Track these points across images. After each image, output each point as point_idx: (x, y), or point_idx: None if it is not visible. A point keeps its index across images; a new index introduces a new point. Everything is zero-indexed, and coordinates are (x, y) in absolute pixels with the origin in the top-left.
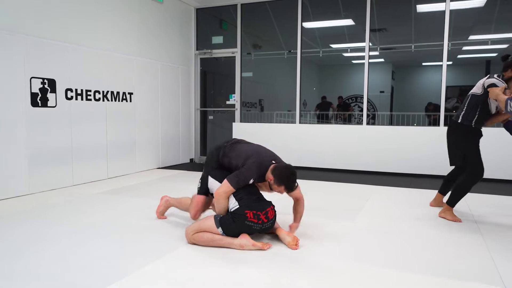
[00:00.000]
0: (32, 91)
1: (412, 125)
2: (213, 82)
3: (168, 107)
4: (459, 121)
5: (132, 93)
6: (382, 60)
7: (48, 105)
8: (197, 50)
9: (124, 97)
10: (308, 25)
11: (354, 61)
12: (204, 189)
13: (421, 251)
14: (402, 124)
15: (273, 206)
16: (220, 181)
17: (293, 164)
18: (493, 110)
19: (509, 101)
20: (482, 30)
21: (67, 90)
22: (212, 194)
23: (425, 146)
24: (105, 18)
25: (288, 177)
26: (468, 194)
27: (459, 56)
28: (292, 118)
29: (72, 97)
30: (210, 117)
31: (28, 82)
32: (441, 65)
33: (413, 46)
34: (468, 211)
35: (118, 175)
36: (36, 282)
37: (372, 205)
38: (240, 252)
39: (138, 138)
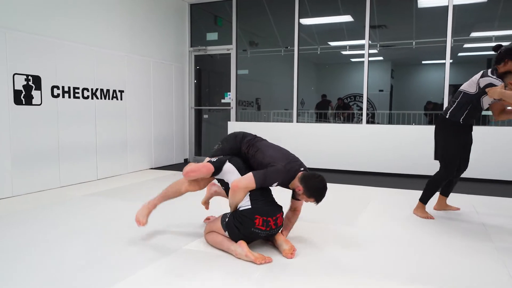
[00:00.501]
0: (15, 88)
1: (412, 124)
2: (208, 80)
3: (161, 106)
4: (446, 116)
5: (123, 91)
6: (381, 58)
7: (33, 103)
8: (191, 47)
9: (115, 95)
10: (305, 21)
11: (352, 59)
12: (217, 167)
13: (429, 259)
14: (402, 123)
15: (283, 212)
16: (240, 172)
17: None
18: (485, 107)
19: None
20: (484, 27)
21: (53, 87)
22: (219, 180)
23: (427, 146)
24: (94, 12)
25: (321, 190)
26: (474, 196)
27: (460, 54)
28: (290, 117)
29: (58, 94)
30: (205, 116)
31: (10, 79)
32: (441, 63)
33: (414, 42)
34: (475, 213)
35: (108, 176)
36: None
37: (373, 208)
38: (233, 260)
39: (130, 138)
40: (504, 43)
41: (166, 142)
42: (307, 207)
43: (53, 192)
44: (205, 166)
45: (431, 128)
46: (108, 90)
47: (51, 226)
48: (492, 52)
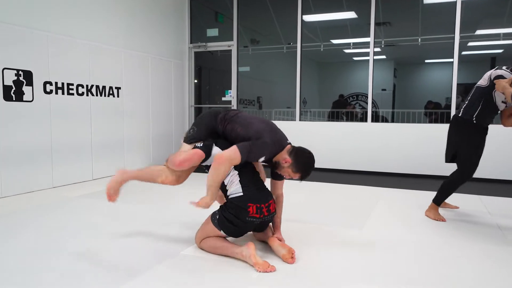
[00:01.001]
0: (5, 84)
1: (415, 122)
2: (208, 77)
3: (160, 104)
4: (459, 115)
5: (120, 88)
6: (384, 57)
7: (24, 99)
8: (191, 43)
9: (111, 92)
10: (308, 18)
11: (355, 58)
12: (207, 152)
13: (443, 265)
14: (406, 122)
15: (274, 199)
16: None
17: None
18: (500, 105)
19: None
20: (491, 23)
21: (45, 83)
22: (206, 166)
23: (434, 145)
24: (90, 5)
25: (309, 166)
26: (486, 197)
27: (463, 53)
28: (292, 116)
29: (51, 91)
30: None
31: (0, 74)
32: (445, 62)
33: (419, 39)
34: (487, 214)
35: (104, 176)
36: None
37: (380, 209)
38: (232, 265)
39: (127, 136)
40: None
41: (165, 141)
42: (311, 208)
43: (45, 193)
44: (195, 153)
45: (438, 126)
46: (104, 87)
47: (42, 228)
48: (497, 51)
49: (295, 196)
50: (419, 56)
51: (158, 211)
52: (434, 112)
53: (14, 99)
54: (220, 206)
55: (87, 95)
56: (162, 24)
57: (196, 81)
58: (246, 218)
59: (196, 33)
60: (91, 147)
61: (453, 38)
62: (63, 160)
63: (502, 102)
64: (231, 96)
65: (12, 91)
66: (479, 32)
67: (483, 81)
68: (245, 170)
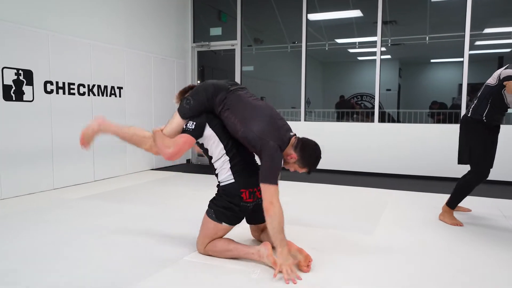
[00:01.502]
0: (4, 83)
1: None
2: (212, 77)
3: (163, 103)
4: (468, 114)
5: (121, 88)
6: (389, 56)
7: (24, 99)
8: (194, 42)
9: (113, 92)
10: (313, 17)
11: (360, 58)
12: (197, 135)
13: (461, 275)
14: (412, 122)
15: None
16: (221, 140)
17: None
18: (510, 104)
19: None
20: (500, 22)
21: (46, 82)
22: (198, 143)
23: (445, 145)
24: (91, 3)
25: (317, 158)
26: (500, 199)
27: (471, 52)
28: (296, 116)
29: (52, 90)
30: None
31: None
32: (451, 62)
33: (427, 38)
34: (502, 218)
35: (106, 177)
36: None
37: (391, 213)
38: (239, 271)
39: None
40: None
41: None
42: (318, 211)
43: (46, 194)
44: (186, 142)
45: (448, 127)
46: (106, 87)
47: (42, 231)
48: (505, 50)
49: (301, 198)
50: (425, 56)
51: (162, 212)
52: (442, 112)
53: (14, 99)
54: (211, 200)
55: (89, 95)
56: (165, 23)
57: (199, 81)
58: (240, 203)
59: (199, 32)
60: (92, 148)
61: (463, 36)
62: (64, 161)
63: None
64: None
65: (12, 91)
66: (487, 30)
67: (492, 80)
68: (236, 155)
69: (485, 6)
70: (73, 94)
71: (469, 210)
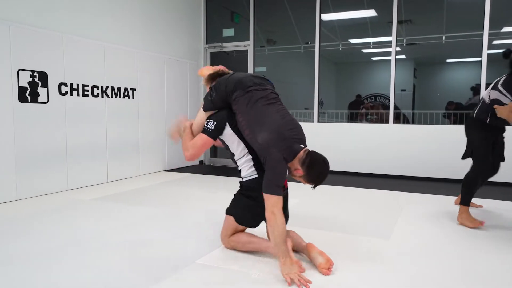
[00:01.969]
0: (20, 85)
1: (436, 124)
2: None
3: (176, 105)
4: (474, 116)
5: (135, 89)
6: (403, 56)
7: (39, 100)
8: (206, 43)
9: (126, 93)
10: (326, 17)
11: (373, 58)
12: (215, 136)
13: (486, 283)
14: (426, 123)
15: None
16: (241, 139)
17: None
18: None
19: None
20: None
21: (60, 84)
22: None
23: (462, 147)
24: (105, 5)
25: (324, 176)
26: None
27: (488, 51)
28: (309, 117)
29: (66, 92)
30: None
31: (15, 75)
32: (467, 62)
33: (444, 37)
34: None
35: (119, 178)
36: None
37: (408, 216)
38: (254, 277)
39: (142, 138)
40: None
41: (180, 143)
42: (332, 214)
43: (60, 195)
44: (203, 145)
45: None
46: (119, 88)
47: (57, 232)
48: None
49: (314, 202)
50: (440, 56)
51: (175, 214)
52: (459, 112)
53: (29, 100)
54: (235, 195)
55: (102, 96)
56: (178, 25)
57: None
58: (261, 201)
59: (212, 33)
60: (106, 149)
61: (481, 35)
62: (78, 162)
63: None
64: None
65: (27, 93)
66: (505, 29)
67: (486, 98)
68: None
69: (504, 3)
70: (87, 95)
71: (481, 206)
